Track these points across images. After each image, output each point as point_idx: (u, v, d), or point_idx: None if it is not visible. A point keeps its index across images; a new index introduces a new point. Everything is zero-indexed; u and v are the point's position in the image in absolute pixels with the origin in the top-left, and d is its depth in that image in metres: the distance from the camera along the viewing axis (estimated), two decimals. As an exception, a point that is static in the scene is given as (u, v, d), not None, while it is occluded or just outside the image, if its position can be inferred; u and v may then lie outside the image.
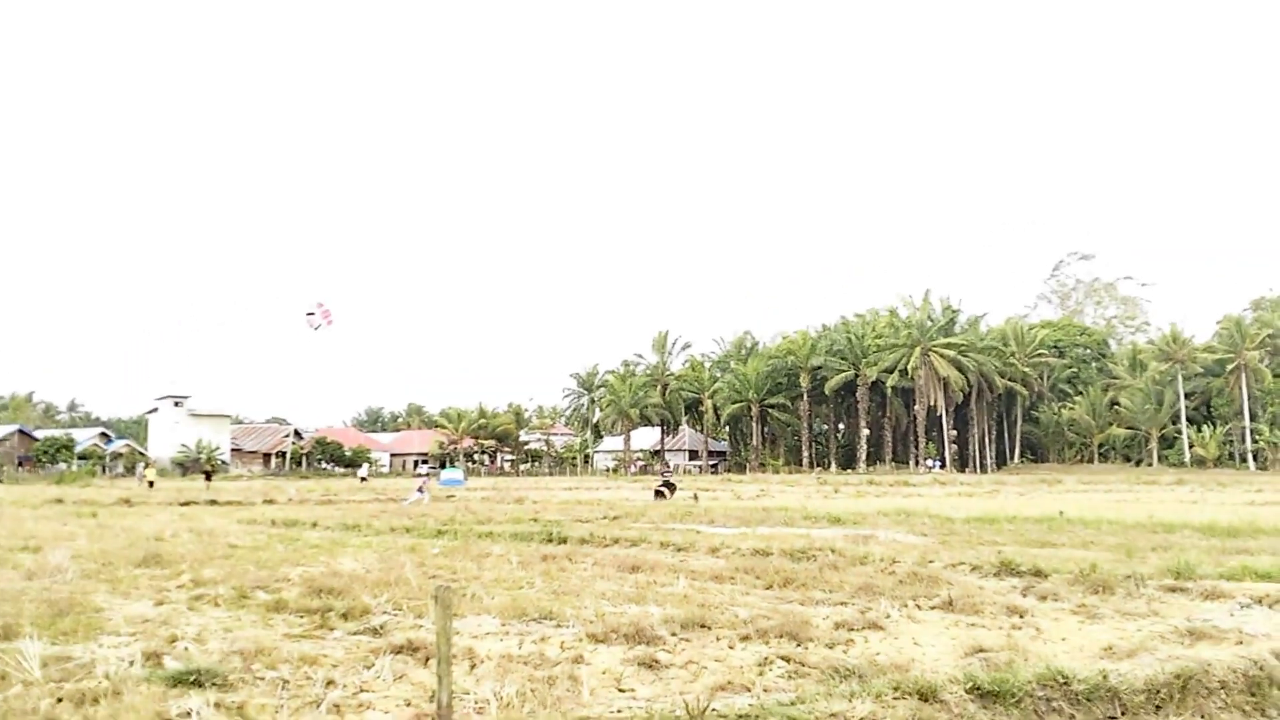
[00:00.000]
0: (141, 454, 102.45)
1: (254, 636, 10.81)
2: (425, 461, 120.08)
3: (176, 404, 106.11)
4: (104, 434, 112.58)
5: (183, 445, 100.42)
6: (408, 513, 33.98)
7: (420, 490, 44.56)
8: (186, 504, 41.04)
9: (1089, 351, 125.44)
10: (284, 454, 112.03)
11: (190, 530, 25.48)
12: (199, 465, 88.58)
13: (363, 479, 70.03)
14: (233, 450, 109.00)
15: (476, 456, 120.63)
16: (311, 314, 47.10)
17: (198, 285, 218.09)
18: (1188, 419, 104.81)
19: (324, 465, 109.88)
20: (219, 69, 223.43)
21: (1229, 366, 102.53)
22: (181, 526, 26.86)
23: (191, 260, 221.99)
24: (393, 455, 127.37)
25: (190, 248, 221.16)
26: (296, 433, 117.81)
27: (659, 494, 45.15)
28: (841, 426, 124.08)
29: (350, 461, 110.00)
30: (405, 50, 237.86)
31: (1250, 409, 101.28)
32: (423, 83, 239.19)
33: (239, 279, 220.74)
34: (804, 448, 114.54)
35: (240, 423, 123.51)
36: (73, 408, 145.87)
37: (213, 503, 41.91)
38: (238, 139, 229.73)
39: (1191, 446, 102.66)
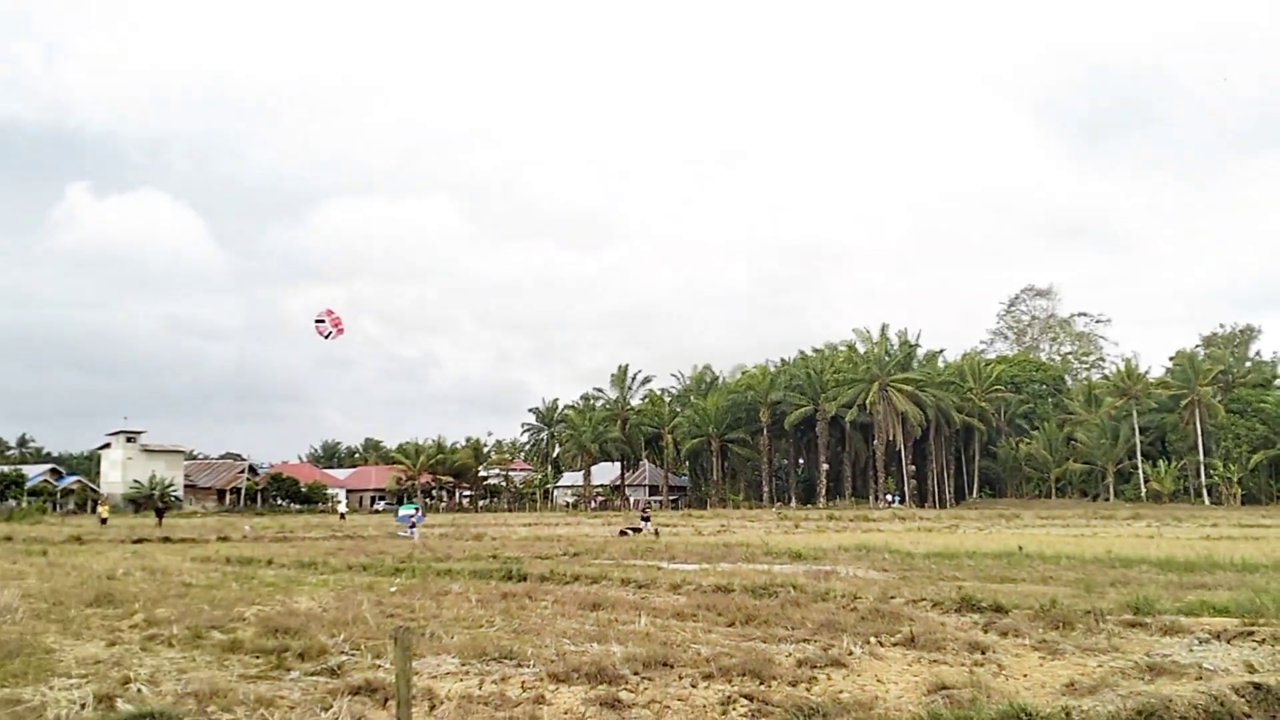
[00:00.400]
0: (94, 490, 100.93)
1: (209, 678, 10.63)
2: (383, 498, 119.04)
3: (130, 439, 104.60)
4: (55, 470, 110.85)
5: (135, 481, 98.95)
6: (412, 544, 35.33)
7: (412, 526, 44.72)
8: (139, 541, 40.49)
9: (1045, 387, 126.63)
10: (239, 490, 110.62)
11: (143, 568, 25.13)
12: (152, 502, 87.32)
13: (342, 515, 69.38)
14: (186, 486, 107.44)
15: (434, 492, 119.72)
16: (321, 322, 46.71)
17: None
18: (1143, 454, 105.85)
19: (280, 502, 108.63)
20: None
21: (1183, 402, 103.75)
22: (134, 565, 26.49)
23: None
24: (349, 491, 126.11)
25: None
26: (252, 469, 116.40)
27: (623, 532, 45.37)
28: (801, 461, 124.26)
29: (306, 498, 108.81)
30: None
31: (1204, 444, 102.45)
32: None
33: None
34: (764, 483, 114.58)
35: (194, 458, 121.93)
36: (23, 443, 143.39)
37: (166, 540, 41.36)
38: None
39: (1147, 481, 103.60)
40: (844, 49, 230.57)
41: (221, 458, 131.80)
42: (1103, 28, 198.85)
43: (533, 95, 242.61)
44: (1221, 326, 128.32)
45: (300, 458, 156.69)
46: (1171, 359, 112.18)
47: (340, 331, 47.16)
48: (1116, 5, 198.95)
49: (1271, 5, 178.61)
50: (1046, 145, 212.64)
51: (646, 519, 50.37)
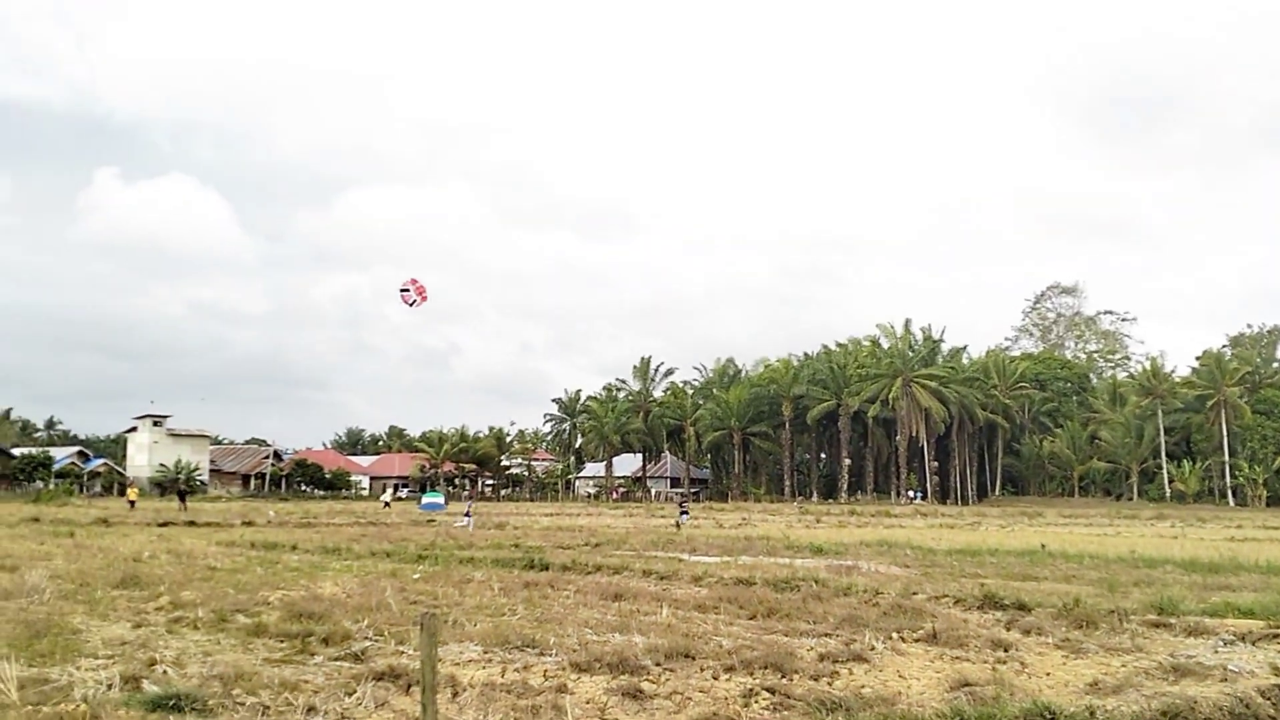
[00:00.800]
0: (120, 473, 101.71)
1: (234, 661, 10.71)
2: (406, 485, 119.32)
3: (156, 423, 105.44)
4: (82, 453, 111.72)
5: (161, 465, 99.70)
6: (458, 536, 35.03)
7: (467, 514, 45.12)
8: (164, 525, 40.81)
9: (1070, 385, 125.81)
10: (263, 476, 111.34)
11: (169, 551, 25.34)
12: (177, 485, 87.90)
13: (386, 504, 69.45)
14: (211, 471, 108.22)
15: (457, 481, 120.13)
16: (406, 290, 47.25)
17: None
18: (1167, 454, 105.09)
19: (304, 487, 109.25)
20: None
21: (1209, 402, 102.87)
22: (160, 548, 26.72)
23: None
24: (372, 478, 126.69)
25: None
26: (276, 454, 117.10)
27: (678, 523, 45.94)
28: (823, 456, 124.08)
29: (330, 484, 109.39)
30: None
31: (1230, 445, 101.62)
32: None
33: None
34: (786, 476, 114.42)
35: (219, 443, 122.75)
36: (50, 425, 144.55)
37: (191, 524, 41.67)
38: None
39: (1171, 481, 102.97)
40: (872, 44, 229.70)
41: (246, 443, 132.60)
42: (1130, 24, 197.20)
43: (557, 87, 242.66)
44: (1249, 326, 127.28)
45: (324, 444, 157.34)
46: (1198, 359, 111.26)
47: (424, 299, 47.69)
48: (1140, 4, 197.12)
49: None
50: (1074, 142, 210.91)
51: (685, 512, 51.16)
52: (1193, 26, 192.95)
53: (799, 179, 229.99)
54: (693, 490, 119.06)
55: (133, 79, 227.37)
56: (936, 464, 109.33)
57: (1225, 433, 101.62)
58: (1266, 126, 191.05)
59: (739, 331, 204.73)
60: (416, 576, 19.82)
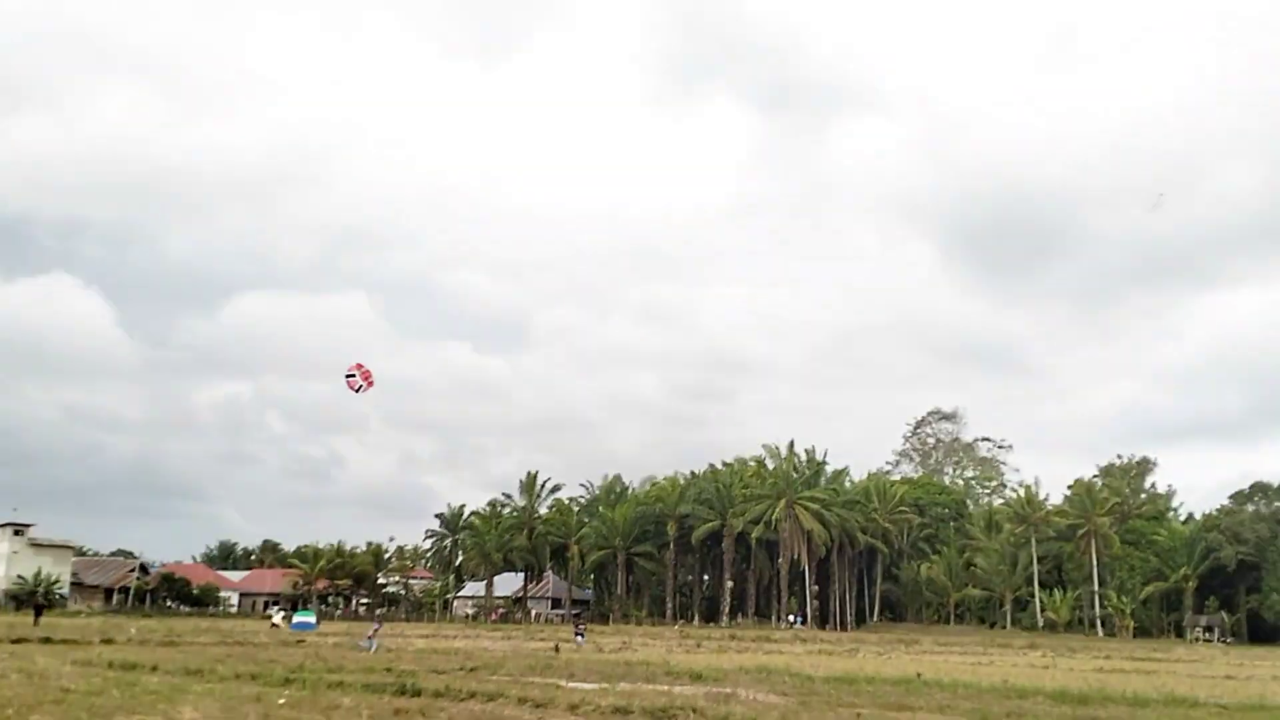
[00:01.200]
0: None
1: (80, 795, 10.21)
2: (277, 603, 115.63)
3: (17, 532, 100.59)
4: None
5: (19, 577, 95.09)
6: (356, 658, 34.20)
7: (371, 637, 43.81)
8: (17, 641, 38.85)
9: (948, 510, 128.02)
10: (127, 590, 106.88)
11: (19, 671, 24.15)
12: (34, 599, 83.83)
13: (274, 624, 67.01)
14: (73, 584, 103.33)
15: (330, 599, 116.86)
16: (352, 376, 46.21)
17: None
18: (1040, 582, 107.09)
19: (170, 603, 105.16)
20: None
21: (1079, 532, 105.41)
22: (10, 666, 25.46)
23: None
24: (243, 595, 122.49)
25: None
26: (143, 567, 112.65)
27: (557, 647, 45.55)
28: (706, 577, 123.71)
29: (197, 600, 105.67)
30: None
31: (1099, 574, 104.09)
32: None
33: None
34: (668, 598, 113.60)
35: (84, 554, 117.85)
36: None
37: (47, 641, 39.75)
38: None
39: (1044, 610, 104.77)
40: (762, 168, 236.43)
41: (112, 554, 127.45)
42: (1009, 160, 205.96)
43: (455, 198, 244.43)
44: (1119, 457, 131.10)
45: (194, 558, 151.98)
46: (1070, 487, 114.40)
47: (370, 384, 46.80)
48: (1024, 139, 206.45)
49: (1168, 143, 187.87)
50: (953, 270, 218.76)
51: (581, 634, 50.98)
52: (1072, 161, 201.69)
53: (692, 300, 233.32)
54: (574, 612, 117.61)
55: (19, 174, 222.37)
56: (817, 587, 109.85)
57: (1095, 562, 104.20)
58: (1138, 265, 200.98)
59: (630, 448, 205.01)
60: (282, 702, 19.18)
